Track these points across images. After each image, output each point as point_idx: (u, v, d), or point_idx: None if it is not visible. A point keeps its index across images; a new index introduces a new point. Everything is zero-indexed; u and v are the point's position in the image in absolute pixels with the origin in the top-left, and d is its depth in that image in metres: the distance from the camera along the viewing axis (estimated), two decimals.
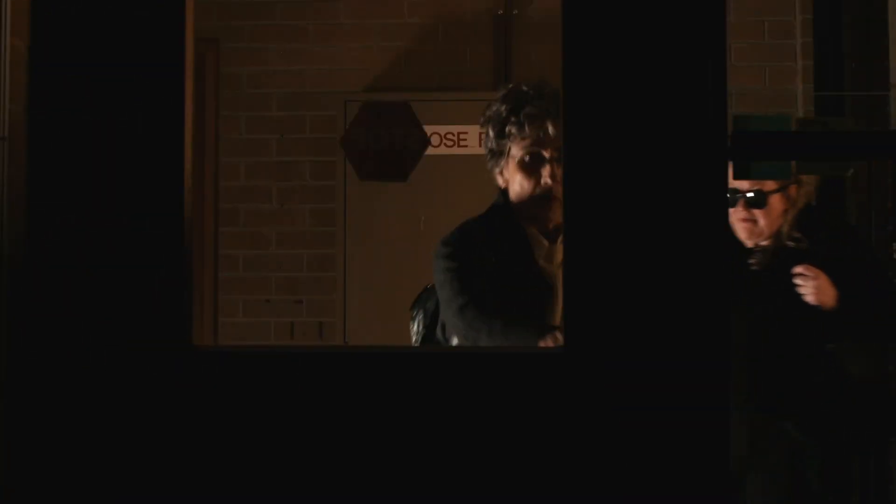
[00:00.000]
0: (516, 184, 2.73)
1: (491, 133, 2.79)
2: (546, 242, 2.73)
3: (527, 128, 2.72)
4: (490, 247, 2.71)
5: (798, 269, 3.02)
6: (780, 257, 3.08)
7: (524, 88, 2.82)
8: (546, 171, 2.69)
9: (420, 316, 2.93)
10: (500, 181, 2.80)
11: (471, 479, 1.51)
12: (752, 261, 3.13)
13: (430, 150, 5.10)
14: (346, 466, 1.52)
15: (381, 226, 5.19)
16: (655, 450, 1.49)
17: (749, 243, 3.13)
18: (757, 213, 3.10)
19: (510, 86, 2.89)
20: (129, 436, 1.53)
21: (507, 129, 2.74)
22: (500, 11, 5.40)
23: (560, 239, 2.62)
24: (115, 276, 1.53)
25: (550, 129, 2.70)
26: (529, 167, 2.71)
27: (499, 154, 2.77)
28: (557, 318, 2.63)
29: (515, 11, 5.38)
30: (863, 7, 4.62)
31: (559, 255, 2.63)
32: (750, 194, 3.09)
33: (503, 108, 2.78)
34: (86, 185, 1.54)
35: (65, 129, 1.54)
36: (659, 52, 1.51)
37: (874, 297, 3.07)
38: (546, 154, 2.70)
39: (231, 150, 5.46)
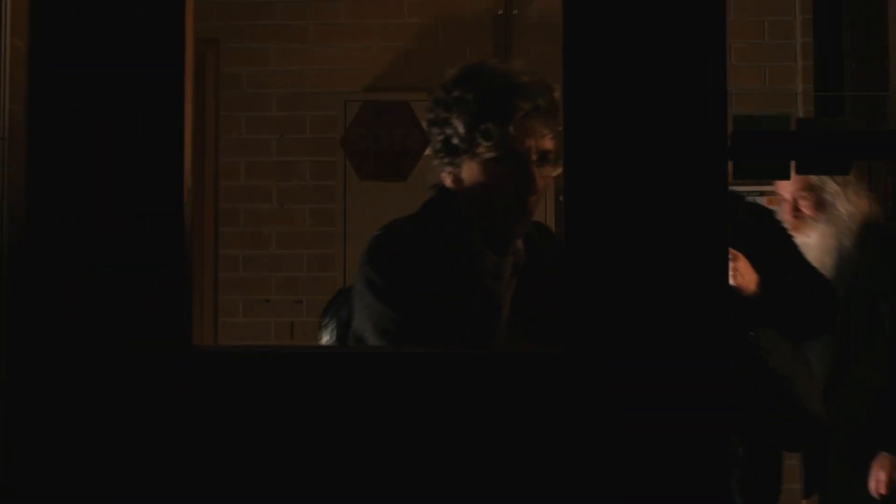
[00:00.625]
0: (483, 189, 2.22)
1: (457, 125, 2.23)
2: (494, 257, 2.23)
3: (512, 126, 2.19)
4: (430, 260, 2.20)
5: None
6: None
7: (507, 73, 2.26)
8: (531, 180, 2.20)
9: (332, 325, 2.44)
10: (449, 180, 2.28)
11: (471, 480, 1.51)
12: None
13: (430, 150, 5.10)
14: (345, 467, 1.52)
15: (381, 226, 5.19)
16: (655, 450, 1.49)
17: None
18: None
19: (477, 65, 2.32)
20: (129, 436, 1.53)
21: (483, 123, 2.20)
22: (500, 11, 5.40)
23: (510, 250, 2.25)
24: (115, 276, 1.53)
25: (541, 130, 2.21)
26: (510, 173, 2.20)
27: (462, 150, 2.23)
28: (500, 343, 2.20)
29: (515, 11, 5.38)
30: (863, 7, 4.62)
31: (507, 272, 2.24)
32: None
33: (473, 94, 2.23)
34: (86, 185, 1.54)
35: (65, 129, 1.54)
36: (659, 52, 1.51)
37: (798, 286, 2.81)
38: (534, 159, 2.21)
39: (231, 150, 5.46)
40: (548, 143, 2.21)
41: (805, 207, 3.55)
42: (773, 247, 2.83)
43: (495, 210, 2.23)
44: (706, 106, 1.50)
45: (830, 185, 3.52)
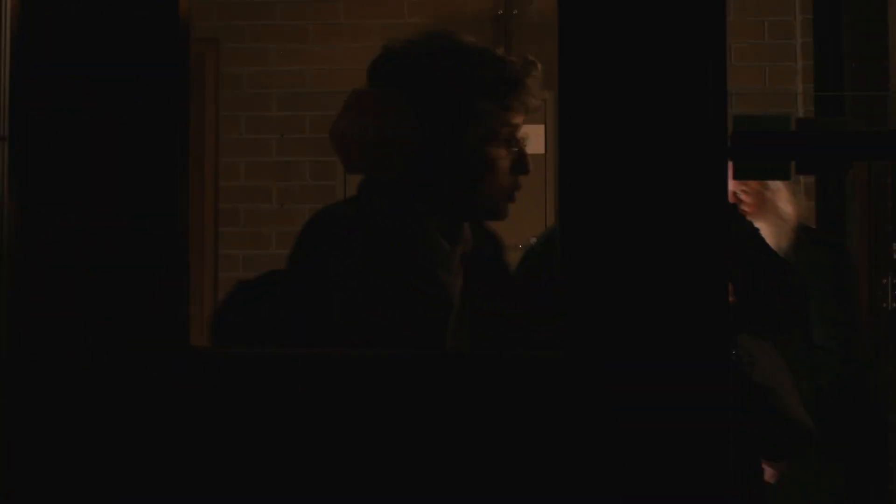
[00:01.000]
0: (472, 172, 2.00)
1: (439, 103, 1.98)
2: (448, 245, 1.99)
3: (506, 101, 1.97)
4: (373, 248, 1.93)
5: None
6: None
7: (486, 46, 2.02)
8: (525, 160, 2.01)
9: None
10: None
11: (470, 482, 1.51)
12: None
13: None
14: (344, 469, 1.52)
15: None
16: (656, 450, 1.49)
17: None
18: None
19: (443, 35, 2.06)
20: (128, 436, 1.53)
21: (473, 99, 1.97)
22: (500, 11, 5.39)
23: (461, 239, 2.04)
24: (113, 276, 1.53)
25: (526, 106, 2.00)
26: (503, 154, 2.00)
27: (445, 131, 1.98)
28: (450, 340, 1.95)
29: (515, 11, 5.37)
30: (863, 7, 4.61)
31: (456, 261, 2.01)
32: None
33: (459, 68, 1.99)
34: (85, 184, 1.54)
35: (63, 129, 1.54)
36: (659, 52, 1.51)
37: (769, 280, 2.60)
38: (518, 136, 2.00)
39: (231, 150, 5.46)
40: (521, 120, 2.04)
41: (746, 205, 3.47)
42: (738, 241, 2.62)
43: (484, 195, 2.03)
44: (706, 106, 1.50)
45: (772, 182, 3.41)
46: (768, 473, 3.32)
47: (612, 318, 1.50)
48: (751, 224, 2.74)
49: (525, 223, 2.49)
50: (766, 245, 2.73)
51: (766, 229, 3.42)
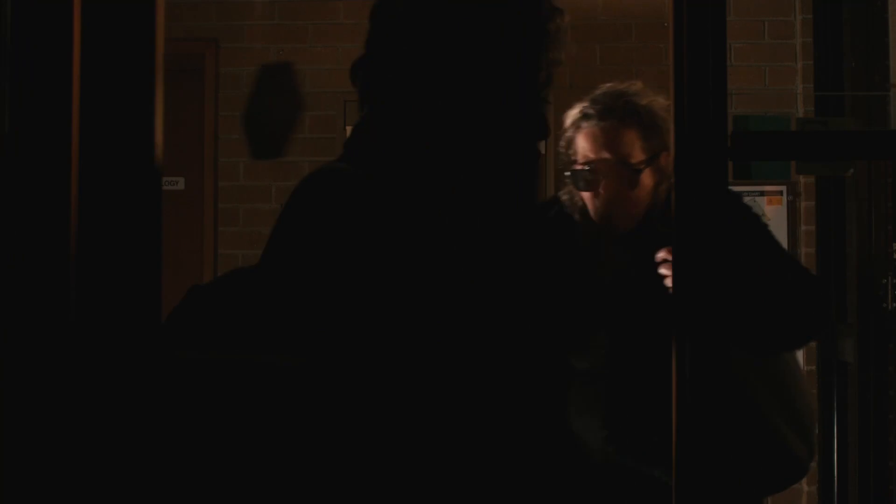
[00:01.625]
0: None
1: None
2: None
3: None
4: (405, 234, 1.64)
5: (661, 255, 2.09)
6: (650, 247, 2.15)
7: None
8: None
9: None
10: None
11: (471, 488, 1.51)
12: (611, 254, 2.20)
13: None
14: (338, 475, 1.52)
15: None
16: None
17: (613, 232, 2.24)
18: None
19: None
20: (127, 437, 1.53)
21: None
22: None
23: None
24: (113, 276, 1.53)
25: (557, 56, 1.73)
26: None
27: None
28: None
29: None
30: (863, 7, 4.62)
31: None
32: None
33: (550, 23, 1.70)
34: (85, 184, 1.54)
35: (64, 128, 1.54)
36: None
37: (774, 288, 2.27)
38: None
39: (231, 150, 5.45)
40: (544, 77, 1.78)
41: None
42: (742, 241, 2.34)
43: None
44: (706, 106, 1.50)
45: None
46: None
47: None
48: (758, 219, 2.40)
49: None
50: (776, 246, 2.39)
51: None
